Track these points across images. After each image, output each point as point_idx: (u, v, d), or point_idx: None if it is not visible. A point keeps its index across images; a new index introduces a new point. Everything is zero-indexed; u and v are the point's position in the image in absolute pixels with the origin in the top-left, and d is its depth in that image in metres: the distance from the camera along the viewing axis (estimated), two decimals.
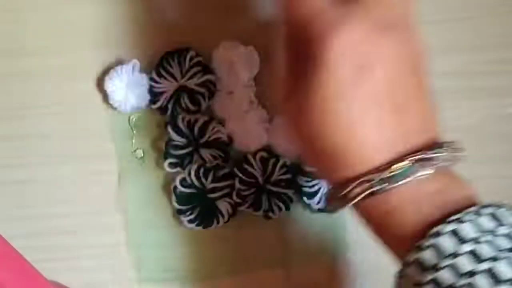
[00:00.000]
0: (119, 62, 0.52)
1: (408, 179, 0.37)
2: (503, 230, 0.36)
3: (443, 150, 0.38)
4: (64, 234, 0.52)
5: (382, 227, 0.39)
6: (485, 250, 0.35)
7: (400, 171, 0.37)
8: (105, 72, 0.52)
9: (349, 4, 0.38)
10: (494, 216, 0.36)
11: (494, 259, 0.34)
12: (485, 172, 0.54)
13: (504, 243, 0.35)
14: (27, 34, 0.53)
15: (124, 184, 0.52)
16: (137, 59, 0.52)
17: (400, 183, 0.37)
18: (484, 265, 0.34)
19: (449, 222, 0.35)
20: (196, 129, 0.51)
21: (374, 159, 0.37)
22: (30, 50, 0.53)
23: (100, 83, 0.52)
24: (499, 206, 0.37)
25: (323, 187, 0.51)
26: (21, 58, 0.53)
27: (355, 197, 0.37)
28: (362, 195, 0.37)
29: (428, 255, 0.35)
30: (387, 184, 0.37)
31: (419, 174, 0.37)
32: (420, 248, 0.36)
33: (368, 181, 0.37)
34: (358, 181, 0.37)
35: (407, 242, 0.37)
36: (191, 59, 0.52)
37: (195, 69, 0.52)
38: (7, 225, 0.51)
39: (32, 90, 0.53)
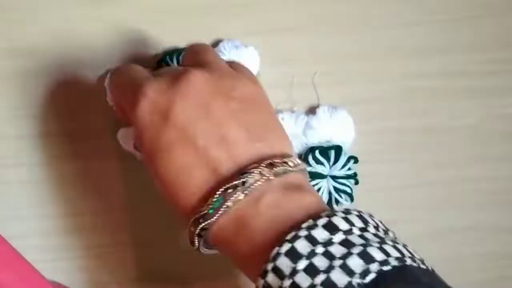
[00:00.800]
0: (121, 62, 0.52)
1: (222, 210, 0.38)
2: (337, 237, 0.36)
3: (253, 174, 0.39)
4: (64, 234, 0.52)
5: (230, 255, 0.40)
6: (319, 262, 0.35)
7: (213, 205, 0.39)
8: (106, 72, 0.52)
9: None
10: (328, 226, 0.36)
11: (328, 269, 0.35)
12: (485, 172, 0.54)
13: (338, 250, 0.35)
14: (27, 34, 0.53)
15: (124, 184, 0.52)
16: (137, 59, 0.52)
17: (217, 215, 0.39)
18: (321, 277, 0.34)
19: (284, 241, 0.36)
20: None
21: (192, 199, 0.40)
22: (30, 50, 0.53)
23: (100, 83, 0.52)
24: (334, 214, 0.37)
25: (323, 187, 0.51)
26: (21, 58, 0.53)
27: (193, 235, 0.40)
28: (197, 233, 0.40)
29: (271, 280, 0.36)
30: (209, 219, 0.39)
31: (230, 202, 0.38)
32: (264, 274, 0.36)
33: (197, 219, 0.39)
34: (191, 220, 0.40)
35: (252, 266, 0.38)
36: None
37: None
38: (7, 225, 0.51)
39: (32, 90, 0.53)
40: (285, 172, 0.39)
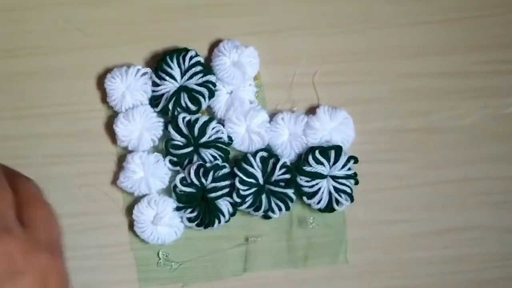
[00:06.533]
0: (124, 64, 0.52)
1: None
2: None
3: None
4: (65, 234, 0.52)
5: None
6: None
7: None
8: (106, 72, 0.52)
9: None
10: None
11: None
12: (485, 172, 0.54)
13: None
14: (27, 34, 0.53)
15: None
16: (135, 59, 0.52)
17: None
18: None
19: None
20: (196, 129, 0.51)
21: None
22: (30, 50, 0.53)
23: (100, 83, 0.52)
24: None
25: (323, 187, 0.51)
26: (21, 58, 0.53)
27: None
28: None
29: None
30: None
31: None
32: None
33: None
34: None
35: None
36: (191, 59, 0.52)
37: (195, 69, 0.52)
38: None
39: (32, 90, 0.53)
40: None
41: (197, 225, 0.51)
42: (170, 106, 0.52)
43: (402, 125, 0.54)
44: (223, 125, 0.52)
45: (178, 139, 0.52)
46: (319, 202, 0.52)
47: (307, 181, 0.52)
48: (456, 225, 0.53)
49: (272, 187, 0.51)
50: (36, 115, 0.52)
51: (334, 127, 0.52)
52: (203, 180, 0.51)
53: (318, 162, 0.51)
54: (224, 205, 0.51)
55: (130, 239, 0.52)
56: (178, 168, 0.52)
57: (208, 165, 0.51)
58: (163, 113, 0.52)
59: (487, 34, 0.55)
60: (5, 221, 0.41)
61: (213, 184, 0.51)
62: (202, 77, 0.52)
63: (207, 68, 0.52)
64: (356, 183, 0.52)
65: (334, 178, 0.52)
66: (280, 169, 0.51)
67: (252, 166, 0.51)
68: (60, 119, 0.53)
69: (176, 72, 0.52)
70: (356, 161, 0.52)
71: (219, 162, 0.51)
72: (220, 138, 0.51)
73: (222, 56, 0.52)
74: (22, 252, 0.40)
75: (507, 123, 0.54)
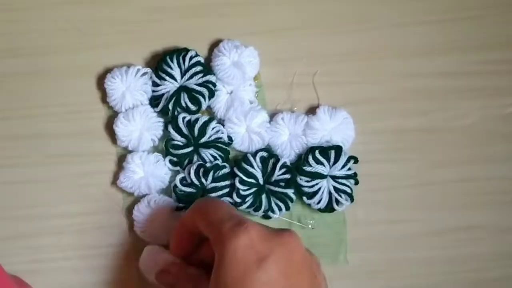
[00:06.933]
0: (124, 64, 0.52)
1: None
2: None
3: None
4: (65, 234, 0.52)
5: None
6: None
7: None
8: (106, 72, 0.52)
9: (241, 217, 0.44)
10: None
11: None
12: (485, 172, 0.54)
13: None
14: (27, 34, 0.53)
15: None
16: (135, 59, 0.52)
17: None
18: None
19: None
20: (196, 129, 0.51)
21: None
22: (30, 50, 0.53)
23: (100, 83, 0.52)
24: None
25: (323, 187, 0.51)
26: (21, 58, 0.53)
27: None
28: None
29: None
30: None
31: None
32: None
33: None
34: None
35: None
36: (191, 59, 0.52)
37: (195, 69, 0.52)
38: (7, 225, 0.51)
39: (32, 90, 0.53)
40: None
41: None
42: (170, 106, 0.52)
43: (402, 125, 0.54)
44: (223, 125, 0.52)
45: (178, 139, 0.52)
46: (319, 202, 0.52)
47: (307, 181, 0.51)
48: (456, 225, 0.53)
49: (272, 187, 0.51)
50: (36, 115, 0.52)
51: (334, 127, 0.52)
52: (203, 180, 0.51)
53: (318, 162, 0.51)
54: None
55: (130, 239, 0.52)
56: (178, 168, 0.52)
57: (208, 165, 0.51)
58: (163, 113, 0.52)
59: (487, 34, 0.55)
60: (237, 215, 0.44)
61: (213, 184, 0.51)
62: (202, 77, 0.52)
63: (207, 68, 0.52)
64: (356, 183, 0.52)
65: (334, 178, 0.52)
66: (280, 169, 0.51)
67: (252, 166, 0.51)
68: (60, 119, 0.52)
69: (176, 72, 0.52)
70: (356, 161, 0.52)
71: (219, 162, 0.51)
72: (220, 138, 0.51)
73: (222, 56, 0.52)
74: (260, 238, 0.42)
75: (507, 123, 0.54)
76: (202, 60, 0.52)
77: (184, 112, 0.52)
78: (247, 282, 0.41)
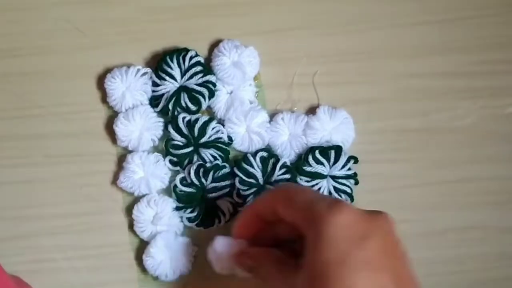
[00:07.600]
0: (124, 64, 0.52)
1: None
2: None
3: None
4: (65, 234, 0.52)
5: None
6: None
7: None
8: (106, 72, 0.52)
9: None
10: None
11: None
12: (485, 172, 0.54)
13: None
14: (27, 34, 0.53)
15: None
16: (135, 59, 0.52)
17: None
18: None
19: None
20: (196, 129, 0.51)
21: None
22: (30, 50, 0.53)
23: (100, 83, 0.52)
24: None
25: (323, 187, 0.51)
26: (21, 58, 0.53)
27: None
28: None
29: None
30: None
31: None
32: None
33: None
34: None
35: None
36: (191, 59, 0.52)
37: (195, 69, 0.52)
38: (7, 225, 0.51)
39: (32, 90, 0.53)
40: None
41: (197, 225, 0.51)
42: (170, 106, 0.52)
43: (402, 125, 0.54)
44: (223, 125, 0.52)
45: (178, 139, 0.52)
46: None
47: (307, 181, 0.52)
48: (456, 225, 0.53)
49: (272, 187, 0.51)
50: (36, 115, 0.52)
51: (334, 127, 0.52)
52: (203, 180, 0.51)
53: (318, 162, 0.51)
54: (224, 204, 0.51)
55: (130, 239, 0.52)
56: (178, 168, 0.52)
57: (208, 165, 0.51)
58: (163, 113, 0.52)
59: (487, 34, 0.55)
60: (328, 196, 0.44)
61: (213, 184, 0.51)
62: (202, 77, 0.52)
63: (207, 68, 0.52)
64: (356, 183, 0.52)
65: (334, 178, 0.52)
66: (280, 169, 0.51)
67: (252, 166, 0.51)
68: (60, 119, 0.52)
69: (176, 72, 0.52)
70: (356, 161, 0.52)
71: (219, 162, 0.52)
72: (220, 138, 0.51)
73: (222, 56, 0.52)
74: (359, 218, 0.42)
75: (507, 123, 0.54)
76: (202, 60, 0.52)
77: (184, 112, 0.52)
78: (351, 259, 0.40)
